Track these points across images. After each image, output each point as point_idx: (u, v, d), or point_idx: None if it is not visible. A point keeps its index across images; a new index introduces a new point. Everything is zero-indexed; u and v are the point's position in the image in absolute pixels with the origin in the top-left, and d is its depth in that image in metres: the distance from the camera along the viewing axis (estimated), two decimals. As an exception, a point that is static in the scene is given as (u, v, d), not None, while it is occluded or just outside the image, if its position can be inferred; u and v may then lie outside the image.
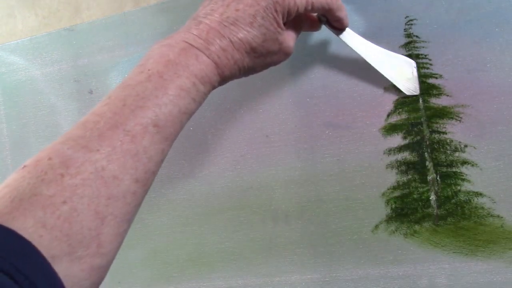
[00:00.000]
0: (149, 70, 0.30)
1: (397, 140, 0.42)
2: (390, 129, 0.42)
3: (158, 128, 0.28)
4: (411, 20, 0.42)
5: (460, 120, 0.40)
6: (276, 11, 0.32)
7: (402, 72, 0.40)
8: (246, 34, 0.32)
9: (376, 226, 0.42)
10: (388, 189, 0.42)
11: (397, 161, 0.42)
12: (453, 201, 0.40)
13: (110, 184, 0.26)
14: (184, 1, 0.49)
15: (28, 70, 0.54)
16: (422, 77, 0.42)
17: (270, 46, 0.33)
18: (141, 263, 0.49)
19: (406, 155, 0.42)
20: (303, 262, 0.44)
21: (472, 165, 0.40)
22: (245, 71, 0.34)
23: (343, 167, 0.43)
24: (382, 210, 0.42)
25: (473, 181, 0.40)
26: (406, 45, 0.42)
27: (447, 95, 0.41)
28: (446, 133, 0.41)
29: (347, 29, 0.39)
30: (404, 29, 0.42)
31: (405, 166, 0.42)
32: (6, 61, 0.55)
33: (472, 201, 0.40)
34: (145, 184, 0.28)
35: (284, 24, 0.34)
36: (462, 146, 0.40)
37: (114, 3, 0.52)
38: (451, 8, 0.41)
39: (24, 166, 0.26)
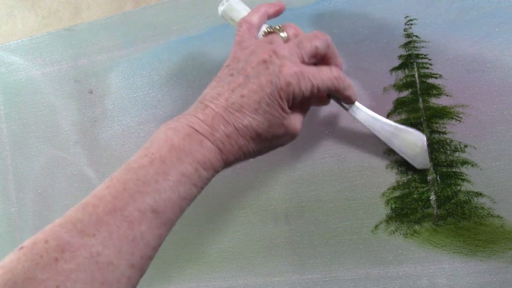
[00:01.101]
0: (152, 154, 0.30)
1: (397, 140, 0.42)
2: (390, 129, 0.42)
3: (157, 213, 0.28)
4: (411, 20, 0.42)
5: (460, 120, 0.40)
6: (280, 97, 0.31)
7: (411, 146, 0.40)
8: (251, 121, 0.31)
9: (376, 226, 0.42)
10: (388, 189, 0.42)
11: (397, 161, 0.42)
12: (453, 201, 0.40)
13: (105, 269, 0.26)
14: (184, 1, 0.49)
15: (28, 70, 0.54)
16: (422, 77, 0.42)
17: (276, 131, 0.33)
18: (141, 263, 0.49)
19: (406, 155, 0.42)
20: (303, 262, 0.44)
21: (472, 165, 0.40)
22: (251, 155, 0.33)
23: (343, 167, 0.43)
24: (382, 210, 0.42)
25: (473, 181, 0.40)
26: (406, 45, 0.42)
27: (447, 95, 0.41)
28: (446, 133, 0.41)
29: (356, 103, 0.38)
30: (404, 29, 0.42)
31: (405, 166, 0.42)
32: (6, 61, 0.55)
33: (472, 201, 0.40)
34: (141, 268, 0.28)
35: (290, 107, 0.33)
36: (462, 146, 0.40)
37: (114, 3, 0.52)
38: (451, 8, 0.41)
39: (21, 248, 0.26)
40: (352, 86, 0.36)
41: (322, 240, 0.44)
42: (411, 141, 0.40)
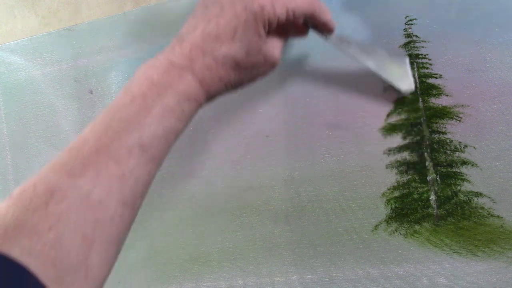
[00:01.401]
0: (133, 92, 0.30)
1: (397, 140, 0.42)
2: (390, 129, 0.42)
3: (144, 149, 0.28)
4: (411, 20, 0.42)
5: (460, 120, 0.40)
6: (256, 22, 0.31)
7: (395, 69, 0.40)
8: (229, 48, 0.31)
9: (376, 226, 0.42)
10: (388, 189, 0.42)
11: (397, 161, 0.42)
12: (453, 201, 0.40)
13: (97, 208, 0.26)
14: (184, 1, 0.49)
15: (28, 70, 0.54)
16: (422, 77, 0.42)
17: (254, 58, 0.33)
18: (141, 263, 0.49)
19: (406, 155, 0.42)
20: (303, 262, 0.44)
21: (472, 165, 0.40)
22: (232, 86, 0.34)
23: (343, 167, 0.43)
24: (382, 210, 0.42)
25: (473, 181, 0.40)
26: (406, 45, 0.42)
27: (447, 95, 0.41)
28: (446, 133, 0.41)
29: (335, 33, 0.38)
30: (404, 29, 0.42)
31: (405, 166, 0.42)
32: (6, 61, 0.55)
33: (472, 201, 0.40)
34: (133, 206, 0.28)
35: (268, 33, 0.33)
36: (462, 146, 0.40)
37: (114, 3, 0.52)
38: (451, 8, 0.41)
39: (10, 197, 0.26)
40: (328, 12, 0.36)
41: (322, 240, 0.44)
42: (394, 65, 0.40)
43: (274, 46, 0.34)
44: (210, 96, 0.33)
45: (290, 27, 0.37)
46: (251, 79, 0.35)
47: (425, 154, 0.41)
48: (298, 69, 0.45)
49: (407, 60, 0.40)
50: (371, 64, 0.39)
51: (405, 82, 0.40)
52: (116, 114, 0.29)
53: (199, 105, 0.32)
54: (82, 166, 0.27)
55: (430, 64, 0.41)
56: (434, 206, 0.41)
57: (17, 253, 0.23)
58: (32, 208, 0.25)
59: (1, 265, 0.23)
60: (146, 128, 0.28)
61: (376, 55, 0.40)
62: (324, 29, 0.38)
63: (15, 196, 0.26)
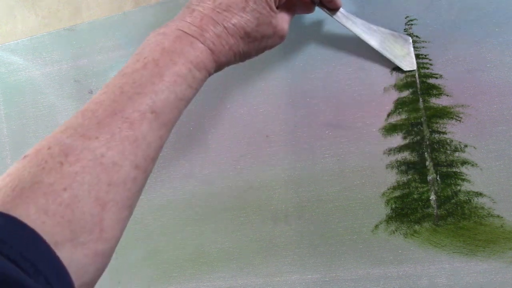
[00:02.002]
0: (145, 58, 0.30)
1: (397, 140, 0.42)
2: (390, 129, 0.42)
3: (156, 114, 0.28)
4: (411, 20, 0.42)
5: (460, 120, 0.40)
6: None
7: (398, 49, 0.41)
8: (240, 19, 0.32)
9: (376, 226, 0.42)
10: (388, 189, 0.42)
11: (397, 161, 0.42)
12: (453, 201, 0.40)
13: (110, 170, 0.26)
14: (184, 1, 0.49)
15: (28, 70, 0.54)
16: (422, 77, 0.42)
17: (264, 30, 0.34)
18: (141, 263, 0.49)
19: (406, 155, 0.42)
20: (303, 262, 0.44)
21: (472, 165, 0.40)
22: (241, 56, 0.34)
23: (343, 167, 0.43)
24: (382, 210, 0.42)
25: (473, 181, 0.40)
26: (406, 45, 0.42)
27: (447, 95, 0.41)
28: (446, 133, 0.41)
29: (341, 9, 0.39)
30: (404, 29, 0.42)
31: (405, 166, 0.42)
32: (6, 61, 0.55)
33: (472, 201, 0.40)
34: (145, 170, 0.28)
35: (277, 7, 0.34)
36: (462, 146, 0.40)
37: (114, 3, 0.52)
38: (451, 8, 0.41)
39: (25, 156, 0.26)
40: None
41: (322, 240, 0.44)
42: (398, 44, 0.41)
43: (283, 19, 0.35)
44: (220, 65, 0.33)
45: (298, 1, 0.38)
46: (260, 50, 0.36)
47: (425, 154, 0.41)
48: (299, 69, 0.45)
49: (410, 40, 0.41)
50: (374, 42, 0.40)
51: (408, 61, 0.41)
52: (130, 79, 0.29)
53: (209, 74, 0.33)
54: (96, 128, 0.27)
55: (430, 64, 0.41)
56: (434, 206, 0.41)
57: (33, 211, 0.23)
58: (48, 168, 0.25)
59: (10, 227, 0.23)
60: (159, 93, 0.29)
61: (380, 34, 0.40)
62: (331, 5, 0.39)
63: (30, 156, 0.26)
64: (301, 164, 0.45)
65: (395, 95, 0.42)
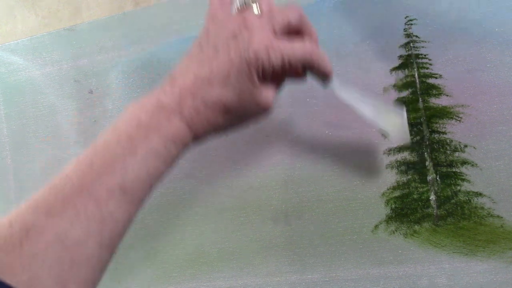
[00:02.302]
0: (119, 132, 0.29)
1: (397, 140, 0.42)
2: (390, 129, 0.42)
3: (125, 192, 0.28)
4: (411, 20, 0.42)
5: (460, 120, 0.40)
6: (250, 70, 0.30)
7: (391, 120, 0.39)
8: (220, 94, 0.31)
9: (376, 226, 0.42)
10: (388, 189, 0.42)
11: (397, 161, 0.42)
12: (453, 201, 0.40)
13: (73, 249, 0.26)
14: (184, 1, 0.49)
15: (28, 70, 0.54)
16: (422, 77, 0.42)
17: (246, 105, 0.32)
18: (141, 263, 0.49)
19: (406, 155, 0.42)
20: (303, 262, 0.44)
21: (472, 165, 0.40)
22: (221, 130, 0.33)
23: (343, 167, 0.43)
24: (382, 210, 0.42)
25: (473, 181, 0.40)
26: (406, 45, 0.42)
27: (447, 95, 0.41)
28: (446, 133, 0.41)
29: (334, 80, 0.36)
30: (404, 29, 0.42)
31: (405, 166, 0.42)
32: (6, 61, 0.55)
33: (472, 201, 0.40)
34: (111, 247, 0.28)
35: (263, 80, 0.32)
36: (462, 146, 0.40)
37: (114, 3, 0.52)
38: (451, 8, 0.41)
39: None
40: (327, 59, 0.34)
41: (322, 240, 0.44)
42: (391, 116, 0.39)
43: (267, 93, 0.32)
44: (198, 139, 0.32)
45: (286, 73, 0.35)
46: (242, 124, 0.33)
47: (425, 154, 0.41)
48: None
49: (404, 113, 0.38)
50: (368, 113, 0.38)
51: (400, 135, 0.39)
52: (101, 153, 0.28)
53: (186, 147, 0.32)
54: (61, 205, 0.26)
55: (430, 64, 0.41)
56: (434, 206, 0.41)
57: None
58: (6, 248, 0.24)
59: None
60: (129, 170, 0.28)
61: (374, 105, 0.38)
62: (322, 76, 0.36)
63: None
64: (301, 164, 0.45)
65: (394, 95, 0.42)
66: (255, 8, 0.34)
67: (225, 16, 0.33)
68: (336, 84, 0.36)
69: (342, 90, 0.37)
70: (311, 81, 0.45)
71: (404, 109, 0.39)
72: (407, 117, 0.39)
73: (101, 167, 0.28)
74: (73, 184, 0.27)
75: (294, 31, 0.34)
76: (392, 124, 0.38)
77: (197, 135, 0.31)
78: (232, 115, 0.32)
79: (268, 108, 0.33)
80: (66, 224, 0.26)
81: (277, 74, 0.33)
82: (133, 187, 0.28)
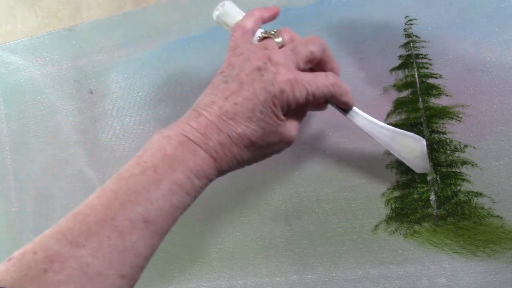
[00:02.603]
0: (144, 163, 0.30)
1: (397, 140, 0.42)
2: (390, 129, 0.42)
3: (148, 223, 0.28)
4: (411, 20, 0.42)
5: (460, 120, 0.40)
6: (274, 105, 0.31)
7: (411, 150, 0.39)
8: (245, 129, 0.31)
9: (376, 226, 0.42)
10: (388, 189, 0.42)
11: (397, 161, 0.42)
12: (453, 201, 0.40)
13: (95, 280, 0.26)
14: (184, 1, 0.49)
15: (28, 70, 0.54)
16: (422, 77, 0.42)
17: (270, 138, 0.32)
18: (141, 263, 0.49)
19: (406, 155, 0.42)
20: (303, 262, 0.44)
21: (472, 165, 0.40)
22: (245, 163, 0.33)
23: (343, 167, 0.43)
24: (382, 210, 0.42)
25: (473, 181, 0.40)
26: (406, 45, 0.42)
27: (447, 95, 0.41)
28: (446, 133, 0.41)
29: (354, 108, 0.37)
30: (404, 29, 0.42)
31: (405, 166, 0.42)
32: (6, 61, 0.55)
33: (472, 201, 0.40)
34: (132, 278, 0.28)
35: (286, 114, 0.33)
36: (462, 146, 0.40)
37: (114, 3, 0.52)
38: (451, 8, 0.41)
39: (10, 259, 0.26)
40: (348, 91, 0.36)
41: (322, 240, 0.44)
42: (411, 145, 0.39)
43: (291, 125, 0.33)
44: (221, 172, 0.32)
45: (308, 105, 0.36)
46: (265, 156, 0.34)
47: (425, 154, 0.41)
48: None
49: (424, 141, 0.39)
50: (388, 143, 0.38)
51: (420, 164, 0.39)
52: (125, 184, 0.29)
53: (209, 181, 0.32)
54: (85, 235, 0.27)
55: (430, 64, 0.41)
56: (434, 206, 0.41)
57: None
58: (31, 275, 0.25)
59: None
60: (153, 202, 0.28)
61: (392, 134, 0.39)
62: (343, 107, 0.37)
63: (15, 260, 0.26)
64: (301, 164, 0.45)
65: (394, 95, 0.42)
66: (278, 39, 0.35)
67: (248, 48, 0.34)
68: (356, 112, 0.38)
69: (361, 119, 0.38)
70: (311, 81, 0.45)
71: (423, 139, 0.39)
72: (427, 147, 0.40)
73: (125, 198, 0.28)
74: (97, 213, 0.27)
75: (317, 63, 0.35)
76: (411, 152, 0.39)
77: (221, 169, 0.32)
78: (255, 148, 0.32)
79: (291, 141, 0.34)
80: (89, 255, 0.26)
81: (300, 107, 0.34)
82: (157, 218, 0.29)
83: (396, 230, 0.42)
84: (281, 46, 0.35)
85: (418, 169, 0.39)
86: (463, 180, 0.40)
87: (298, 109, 0.34)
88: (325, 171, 0.44)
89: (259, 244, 0.46)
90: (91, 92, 0.52)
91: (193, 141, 0.30)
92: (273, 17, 0.39)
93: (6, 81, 0.55)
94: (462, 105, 0.40)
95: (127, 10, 0.51)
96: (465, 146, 0.40)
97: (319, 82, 0.33)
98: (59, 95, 0.53)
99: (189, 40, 0.49)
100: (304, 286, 0.44)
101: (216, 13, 0.39)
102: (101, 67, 0.52)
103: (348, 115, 0.38)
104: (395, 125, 0.42)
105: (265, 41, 0.35)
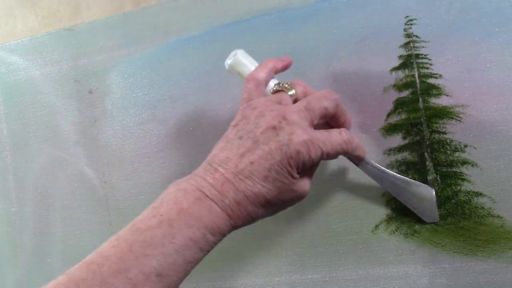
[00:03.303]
0: (161, 215, 0.30)
1: (397, 140, 0.42)
2: (390, 129, 0.42)
3: (161, 277, 0.28)
4: (411, 20, 0.42)
5: (460, 120, 0.40)
6: (290, 165, 0.31)
7: (420, 199, 0.40)
8: (261, 188, 0.31)
9: (376, 226, 0.42)
10: (388, 189, 0.42)
11: (397, 161, 0.42)
12: (453, 201, 0.40)
13: None
14: (184, 1, 0.49)
15: (28, 70, 0.54)
16: (422, 77, 0.42)
17: (285, 196, 0.33)
18: (141, 263, 0.49)
19: (406, 155, 0.42)
20: (303, 262, 0.44)
21: (472, 165, 0.40)
22: (259, 219, 0.34)
23: (343, 167, 0.43)
24: (382, 210, 0.42)
25: (473, 181, 0.40)
26: (406, 45, 0.42)
27: (447, 95, 0.41)
28: (446, 133, 0.41)
29: (365, 159, 0.38)
30: (404, 29, 0.42)
31: (405, 166, 0.42)
32: (6, 61, 0.55)
33: (472, 201, 0.40)
34: None
35: (299, 173, 0.33)
36: (462, 146, 0.40)
37: (114, 3, 0.52)
38: (451, 8, 0.41)
39: None
40: (361, 145, 0.36)
41: (322, 240, 0.44)
42: (420, 195, 0.40)
43: (304, 183, 0.34)
44: (235, 228, 0.33)
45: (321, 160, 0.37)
46: (278, 211, 0.34)
47: (425, 154, 0.41)
48: (299, 70, 0.45)
49: (433, 192, 0.40)
50: (397, 192, 0.40)
51: (429, 213, 0.40)
52: (140, 236, 0.29)
53: (223, 236, 0.32)
54: (98, 286, 0.27)
55: (430, 64, 0.41)
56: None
57: None
58: None
59: None
60: (167, 256, 0.29)
61: (404, 184, 0.39)
62: (356, 160, 0.38)
63: None
64: (301, 164, 0.45)
65: (394, 95, 0.42)
66: (291, 91, 0.35)
67: (262, 102, 0.34)
68: (367, 163, 0.38)
69: (373, 169, 0.39)
70: (311, 81, 0.45)
71: (433, 189, 0.40)
72: (436, 196, 0.40)
73: (140, 251, 0.28)
74: (111, 265, 0.28)
75: (330, 117, 0.35)
76: (421, 202, 0.40)
77: (236, 225, 0.32)
78: (270, 206, 0.33)
79: (304, 196, 0.34)
80: None
81: (312, 165, 0.34)
82: (169, 272, 0.29)
83: (396, 230, 0.42)
84: (295, 100, 0.35)
85: (427, 218, 0.40)
86: (463, 180, 0.40)
87: (311, 166, 0.34)
88: (325, 172, 0.44)
89: (259, 244, 0.46)
90: (91, 92, 0.52)
91: (210, 198, 0.31)
92: (285, 68, 0.39)
93: (6, 81, 0.55)
94: (462, 105, 0.40)
95: (127, 10, 0.51)
96: (465, 146, 0.40)
97: (333, 141, 0.33)
98: (59, 95, 0.53)
99: (189, 40, 0.49)
100: (304, 286, 0.44)
101: (228, 62, 0.39)
102: (101, 67, 0.52)
103: (360, 166, 0.38)
104: (395, 125, 0.42)
105: (278, 94, 0.35)
